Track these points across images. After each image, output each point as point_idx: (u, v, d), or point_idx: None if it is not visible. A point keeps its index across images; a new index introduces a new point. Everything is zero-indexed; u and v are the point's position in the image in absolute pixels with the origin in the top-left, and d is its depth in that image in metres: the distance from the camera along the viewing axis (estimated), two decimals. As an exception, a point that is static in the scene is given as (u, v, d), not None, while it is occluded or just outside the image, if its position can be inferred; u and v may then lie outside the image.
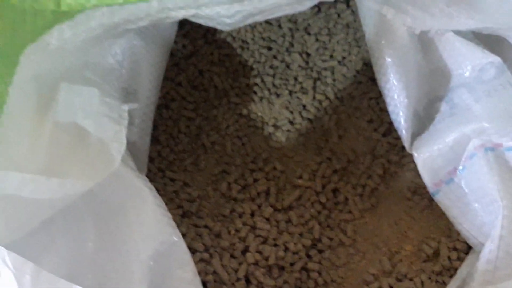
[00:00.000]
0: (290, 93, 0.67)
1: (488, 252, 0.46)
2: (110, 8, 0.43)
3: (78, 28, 0.44)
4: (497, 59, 0.52)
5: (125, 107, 0.50)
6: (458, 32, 0.54)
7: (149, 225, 0.49)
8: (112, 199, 0.49)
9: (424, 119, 0.56)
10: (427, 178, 0.53)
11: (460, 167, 0.52)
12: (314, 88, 0.67)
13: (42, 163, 0.44)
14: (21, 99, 0.44)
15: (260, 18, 0.50)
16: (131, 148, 0.57)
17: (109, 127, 0.48)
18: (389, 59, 0.53)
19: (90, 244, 0.48)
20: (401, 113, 0.54)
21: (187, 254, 0.51)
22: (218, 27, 0.51)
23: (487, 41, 0.55)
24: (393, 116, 0.55)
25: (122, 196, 0.49)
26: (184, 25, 0.69)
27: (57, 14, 0.42)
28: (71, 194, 0.43)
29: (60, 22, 0.43)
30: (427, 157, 0.53)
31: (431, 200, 0.57)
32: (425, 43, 0.55)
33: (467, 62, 0.53)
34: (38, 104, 0.46)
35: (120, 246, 0.48)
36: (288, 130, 0.66)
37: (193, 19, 0.50)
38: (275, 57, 0.69)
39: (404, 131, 0.54)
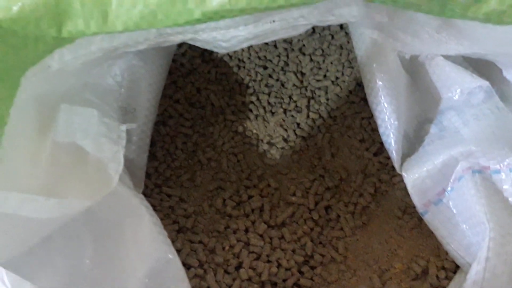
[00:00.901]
0: (285, 111, 0.69)
1: (474, 273, 0.47)
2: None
3: (78, 52, 0.45)
4: (485, 83, 0.54)
5: (123, 127, 0.52)
6: (447, 56, 0.55)
7: (145, 243, 0.50)
8: (109, 217, 0.50)
9: (413, 141, 0.57)
10: (416, 198, 0.55)
11: (449, 189, 0.53)
12: (308, 106, 0.68)
13: (41, 182, 0.46)
14: (22, 120, 0.45)
15: (255, 42, 0.52)
16: (129, 165, 0.58)
17: (107, 147, 0.49)
18: (380, 82, 0.54)
19: (87, 261, 0.49)
20: (391, 135, 0.55)
21: (181, 271, 0.52)
22: (215, 50, 0.53)
23: (476, 64, 0.57)
24: (383, 138, 0.56)
25: (119, 214, 0.50)
26: (182, 44, 0.71)
27: (58, 39, 0.43)
28: (69, 213, 0.44)
29: (60, 46, 0.44)
30: (416, 178, 0.54)
31: (420, 219, 0.58)
32: (415, 67, 0.57)
33: (456, 86, 0.55)
34: (38, 125, 0.47)
35: (116, 263, 0.49)
36: (283, 148, 0.67)
37: (191, 42, 0.51)
38: (270, 76, 0.70)
39: (394, 152, 0.55)
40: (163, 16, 0.39)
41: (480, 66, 0.56)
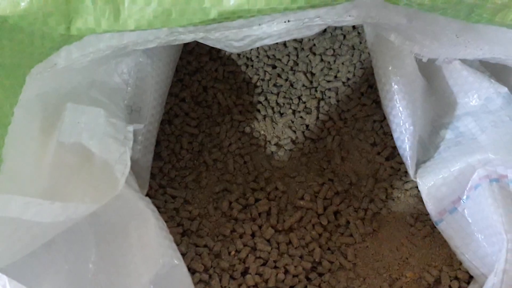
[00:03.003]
0: (294, 112, 0.67)
1: (491, 286, 0.46)
2: (119, 31, 0.43)
3: (86, 49, 0.44)
4: (504, 89, 0.52)
5: (131, 128, 0.50)
6: (465, 60, 0.54)
7: (151, 248, 0.48)
8: (114, 220, 0.48)
9: (429, 147, 0.56)
10: (431, 206, 0.53)
11: (464, 197, 0.52)
12: (317, 108, 0.66)
13: (45, 184, 0.44)
14: (26, 119, 0.44)
15: (268, 42, 0.50)
16: (134, 165, 0.57)
17: (114, 148, 0.48)
18: (396, 86, 0.53)
19: (91, 266, 0.48)
20: (406, 140, 0.53)
21: (187, 277, 0.50)
22: (226, 49, 0.51)
23: (494, 69, 0.55)
24: (398, 143, 0.54)
25: (125, 218, 0.49)
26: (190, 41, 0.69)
27: (66, 37, 0.41)
28: (74, 217, 0.42)
29: (68, 43, 0.42)
30: (431, 185, 0.53)
31: (433, 227, 0.57)
32: (431, 70, 0.55)
33: (473, 91, 0.54)
34: (43, 124, 0.45)
35: (121, 268, 0.48)
36: (291, 150, 0.65)
37: (201, 41, 0.50)
38: (279, 75, 0.68)
39: (409, 158, 0.54)
40: (177, 15, 0.37)
41: (498, 72, 0.55)
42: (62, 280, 0.46)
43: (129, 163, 0.48)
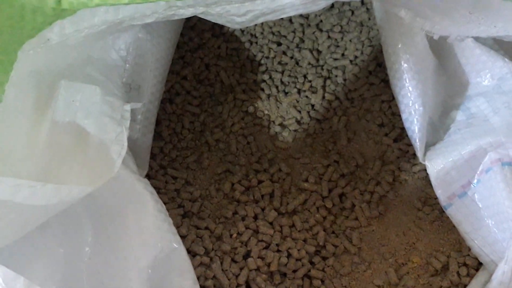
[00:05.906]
0: (299, 91, 0.65)
1: (501, 273, 0.44)
2: (114, 4, 0.41)
3: (80, 24, 0.42)
4: (518, 69, 0.50)
5: (128, 106, 0.48)
6: (478, 38, 0.51)
7: (149, 231, 0.47)
8: (111, 202, 0.47)
9: (438, 128, 0.54)
10: (440, 190, 0.51)
11: (475, 181, 0.50)
12: (323, 87, 0.64)
13: (38, 165, 0.42)
14: (18, 97, 0.42)
15: (271, 17, 0.48)
16: (133, 145, 0.55)
17: (110, 128, 0.46)
18: (405, 64, 0.51)
19: (87, 249, 0.46)
20: (415, 121, 0.51)
21: (186, 261, 0.49)
22: (228, 25, 0.49)
23: (508, 48, 0.53)
24: (406, 124, 0.52)
25: (122, 200, 0.47)
26: (191, 17, 0.67)
27: (58, 11, 0.39)
28: (67, 200, 0.41)
29: (61, 17, 0.40)
30: (440, 168, 0.51)
31: (441, 211, 0.55)
32: (443, 48, 0.53)
33: (486, 70, 0.51)
34: (36, 102, 0.44)
35: (118, 252, 0.46)
36: (295, 130, 0.63)
37: (202, 16, 0.47)
38: (284, 53, 0.66)
39: (417, 140, 0.52)
40: (173, -13, 0.35)
41: (512, 50, 0.52)
42: (57, 264, 0.44)
43: (125, 144, 0.46)
